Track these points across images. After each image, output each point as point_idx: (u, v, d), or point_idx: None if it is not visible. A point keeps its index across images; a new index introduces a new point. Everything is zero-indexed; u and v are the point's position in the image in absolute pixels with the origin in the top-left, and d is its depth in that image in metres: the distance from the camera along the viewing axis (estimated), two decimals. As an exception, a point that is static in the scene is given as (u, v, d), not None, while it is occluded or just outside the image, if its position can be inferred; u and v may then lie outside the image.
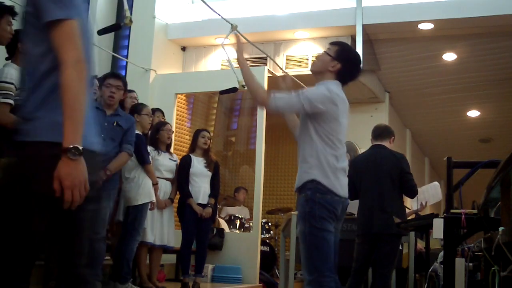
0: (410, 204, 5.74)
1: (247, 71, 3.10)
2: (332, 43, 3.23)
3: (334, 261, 3.06)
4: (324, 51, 3.19)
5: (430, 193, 5.90)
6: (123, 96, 4.44)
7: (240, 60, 3.13)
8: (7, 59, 3.98)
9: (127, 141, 4.32)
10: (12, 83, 3.51)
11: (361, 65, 3.23)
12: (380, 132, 4.88)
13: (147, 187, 4.76)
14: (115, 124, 4.27)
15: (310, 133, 3.02)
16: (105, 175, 4.11)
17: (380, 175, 4.64)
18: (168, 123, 5.52)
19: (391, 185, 4.64)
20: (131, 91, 5.38)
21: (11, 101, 3.48)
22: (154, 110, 5.70)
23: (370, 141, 4.92)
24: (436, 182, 6.14)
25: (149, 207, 4.82)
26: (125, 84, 4.39)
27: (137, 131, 4.82)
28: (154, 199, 4.84)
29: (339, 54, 3.12)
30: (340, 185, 3.00)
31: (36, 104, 1.78)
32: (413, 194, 4.84)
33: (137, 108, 4.96)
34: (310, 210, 2.94)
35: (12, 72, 3.55)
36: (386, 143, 4.83)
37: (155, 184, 4.91)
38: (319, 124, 3.00)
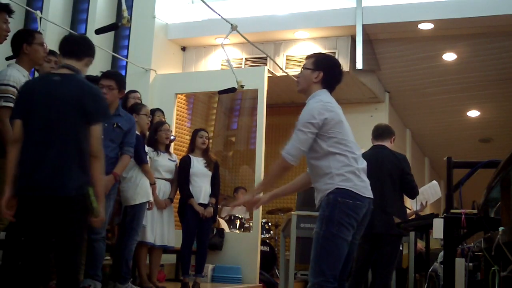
0: (411, 204, 5.74)
1: (268, 183, 3.25)
2: (306, 57, 3.28)
3: (347, 268, 3.06)
4: (302, 68, 3.22)
5: (430, 192, 5.90)
6: (120, 95, 4.41)
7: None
8: (7, 58, 3.96)
9: (128, 144, 4.32)
10: (14, 86, 3.49)
11: (341, 67, 3.26)
12: (381, 132, 4.88)
13: (144, 187, 4.75)
14: (115, 125, 4.26)
15: (321, 149, 3.00)
16: (115, 179, 4.18)
17: (381, 175, 4.63)
18: (166, 123, 5.51)
19: (392, 185, 4.63)
20: (134, 91, 5.37)
21: (12, 104, 3.47)
22: (154, 110, 5.70)
23: (371, 141, 4.92)
24: (434, 181, 6.13)
25: (147, 207, 4.82)
26: (118, 83, 4.32)
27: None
28: (151, 199, 4.84)
29: (317, 63, 3.17)
30: (364, 186, 2.98)
31: None
32: (414, 194, 4.83)
33: (136, 108, 4.94)
34: (329, 214, 2.91)
35: (16, 75, 3.52)
36: (387, 143, 4.83)
37: (153, 184, 4.91)
38: (328, 135, 2.99)
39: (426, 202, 5.79)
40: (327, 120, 2.98)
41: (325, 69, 3.14)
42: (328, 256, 2.88)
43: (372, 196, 3.04)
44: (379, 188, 4.62)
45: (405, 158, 4.82)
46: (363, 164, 3.07)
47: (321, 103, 3.02)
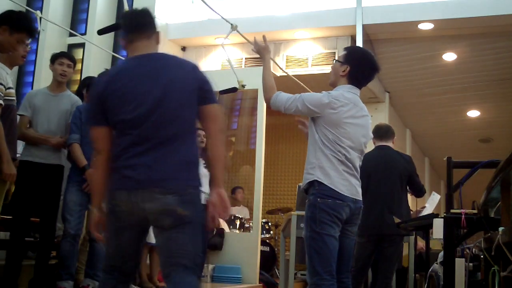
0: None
1: (267, 69, 3.25)
2: (343, 49, 3.27)
3: (348, 263, 3.07)
4: (334, 59, 3.23)
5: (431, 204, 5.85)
6: None
7: (266, 60, 3.30)
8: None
9: None
10: (2, 84, 3.46)
11: (375, 63, 3.18)
12: (384, 133, 4.88)
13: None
14: None
15: (314, 135, 3.04)
16: None
17: (391, 176, 4.63)
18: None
19: (400, 186, 4.64)
20: None
21: (2, 102, 3.45)
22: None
23: (372, 141, 4.88)
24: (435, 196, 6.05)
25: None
26: None
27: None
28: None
29: (347, 57, 3.14)
30: (345, 185, 2.96)
31: None
32: (422, 194, 4.84)
33: None
34: (311, 215, 2.95)
35: (2, 73, 3.49)
36: (390, 144, 4.83)
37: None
38: (320, 129, 3.01)
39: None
40: (323, 117, 2.99)
41: (352, 64, 3.10)
42: (318, 255, 2.91)
43: (358, 198, 3.02)
44: (389, 189, 4.61)
45: (411, 159, 4.83)
46: (351, 165, 3.01)
47: (329, 98, 2.99)
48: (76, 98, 4.36)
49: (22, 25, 3.53)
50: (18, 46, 3.53)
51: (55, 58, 4.20)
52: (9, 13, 3.59)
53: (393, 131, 4.94)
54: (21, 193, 3.85)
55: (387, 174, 4.63)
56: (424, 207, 5.55)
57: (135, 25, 2.53)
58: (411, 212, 5.34)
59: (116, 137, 2.40)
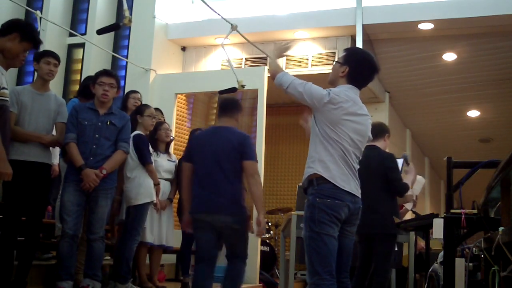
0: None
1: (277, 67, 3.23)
2: (343, 50, 3.28)
3: (347, 263, 3.08)
4: (334, 60, 3.23)
5: (415, 187, 5.78)
6: (117, 94, 4.42)
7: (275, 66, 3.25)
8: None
9: (122, 139, 4.31)
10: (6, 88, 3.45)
11: (374, 64, 3.19)
12: (374, 134, 4.84)
13: (147, 187, 4.75)
14: (108, 123, 4.26)
15: (315, 129, 3.06)
16: (101, 174, 4.11)
17: (369, 176, 4.56)
18: (165, 122, 5.52)
19: (381, 185, 4.55)
20: (134, 91, 5.38)
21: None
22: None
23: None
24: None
25: (153, 207, 4.84)
26: (118, 81, 4.38)
27: (139, 131, 4.83)
28: (155, 199, 4.83)
29: (347, 58, 3.15)
30: (345, 180, 2.96)
31: None
32: (399, 192, 4.64)
33: (140, 110, 4.97)
34: (310, 215, 2.96)
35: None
36: (380, 143, 4.76)
37: (157, 185, 4.89)
38: (321, 125, 3.02)
39: (416, 197, 5.73)
40: (321, 111, 3.00)
41: (351, 65, 3.11)
42: (317, 255, 2.91)
43: (357, 194, 3.03)
44: (367, 189, 4.56)
45: (390, 156, 4.68)
46: (349, 164, 3.03)
47: (330, 94, 2.99)
48: (62, 99, 4.31)
49: (32, 36, 3.57)
50: (22, 54, 3.57)
51: (40, 57, 4.16)
52: (19, 22, 3.61)
53: (383, 129, 4.84)
54: (12, 193, 3.80)
55: (366, 173, 4.57)
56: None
57: (223, 108, 4.15)
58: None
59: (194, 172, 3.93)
